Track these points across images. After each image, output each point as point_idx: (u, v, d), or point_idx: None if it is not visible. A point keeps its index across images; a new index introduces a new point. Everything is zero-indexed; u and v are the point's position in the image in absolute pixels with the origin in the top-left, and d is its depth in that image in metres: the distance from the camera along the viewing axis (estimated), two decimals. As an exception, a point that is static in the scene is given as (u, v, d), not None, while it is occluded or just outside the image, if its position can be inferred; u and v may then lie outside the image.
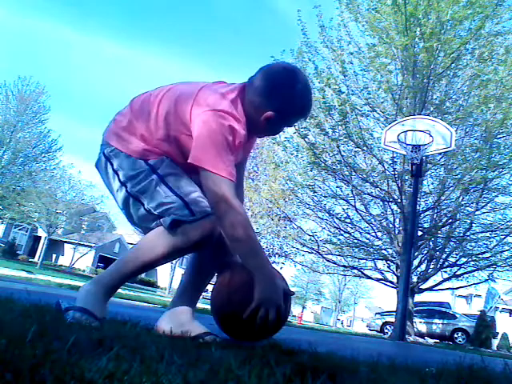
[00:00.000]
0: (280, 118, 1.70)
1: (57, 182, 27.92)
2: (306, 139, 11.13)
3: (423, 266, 12.72)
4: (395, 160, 11.13)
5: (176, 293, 1.78)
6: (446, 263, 12.56)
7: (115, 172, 1.67)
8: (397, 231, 11.83)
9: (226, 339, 1.62)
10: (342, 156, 11.16)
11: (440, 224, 11.90)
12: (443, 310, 18.71)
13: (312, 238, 13.04)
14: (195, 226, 1.51)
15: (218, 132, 1.53)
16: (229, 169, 1.53)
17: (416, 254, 11.81)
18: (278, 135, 10.75)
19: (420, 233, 11.66)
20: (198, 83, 1.73)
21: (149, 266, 1.60)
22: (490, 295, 21.77)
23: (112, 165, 1.68)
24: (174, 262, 30.99)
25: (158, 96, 1.69)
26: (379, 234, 12.56)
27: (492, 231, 11.78)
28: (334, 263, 13.65)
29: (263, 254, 1.57)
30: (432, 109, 11.02)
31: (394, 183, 11.10)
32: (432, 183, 12.17)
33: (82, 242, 33.80)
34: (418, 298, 14.08)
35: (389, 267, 12.88)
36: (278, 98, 1.68)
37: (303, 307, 58.97)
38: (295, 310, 62.84)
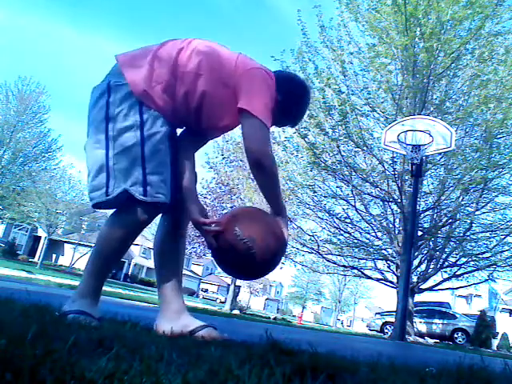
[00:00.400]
0: (279, 108, 1.80)
1: (57, 182, 27.90)
2: (305, 139, 11.13)
3: (423, 266, 12.72)
4: (395, 160, 11.13)
5: (160, 287, 1.79)
6: (446, 263, 12.56)
7: (107, 104, 1.56)
8: (397, 231, 11.84)
9: (224, 336, 1.62)
10: (342, 156, 11.16)
11: (440, 224, 11.90)
12: (443, 309, 18.70)
13: (312, 238, 13.04)
14: (143, 207, 1.53)
15: (267, 88, 1.68)
16: (270, 122, 1.67)
17: (416, 254, 11.81)
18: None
19: (420, 233, 11.66)
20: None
21: (113, 256, 1.64)
22: (492, 295, 21.75)
23: (109, 96, 1.57)
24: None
25: (189, 46, 1.74)
26: (379, 234, 12.57)
27: (492, 231, 11.78)
28: (334, 263, 13.65)
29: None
30: (432, 109, 11.02)
31: (394, 183, 11.10)
32: (432, 183, 12.17)
33: (82, 242, 33.78)
34: (418, 298, 14.08)
35: (389, 267, 12.88)
36: (290, 94, 1.84)
37: (303, 307, 58.97)
38: (295, 310, 62.88)
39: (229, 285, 22.25)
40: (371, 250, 12.55)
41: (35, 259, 31.58)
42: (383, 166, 11.27)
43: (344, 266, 13.77)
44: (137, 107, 1.56)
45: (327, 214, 12.68)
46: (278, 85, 1.78)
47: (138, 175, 1.51)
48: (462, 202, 11.51)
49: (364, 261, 13.46)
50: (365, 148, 11.07)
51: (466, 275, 12.64)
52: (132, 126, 1.53)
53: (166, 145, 1.61)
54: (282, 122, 1.97)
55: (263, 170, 1.64)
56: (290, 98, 1.84)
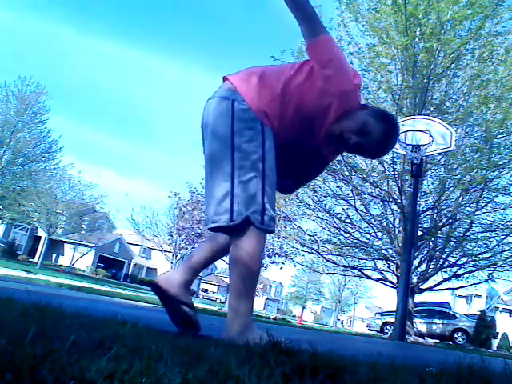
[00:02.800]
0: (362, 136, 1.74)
1: (57, 182, 27.92)
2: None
3: (423, 266, 12.73)
4: (395, 160, 11.13)
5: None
6: (446, 263, 12.56)
7: (232, 131, 1.57)
8: (397, 231, 11.84)
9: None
10: (342, 156, 11.16)
11: (440, 224, 11.90)
12: (443, 310, 18.70)
13: (312, 238, 13.04)
14: (258, 233, 1.54)
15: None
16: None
17: (416, 254, 11.81)
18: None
19: (420, 233, 11.67)
20: None
21: (258, 276, 1.61)
22: (490, 295, 21.78)
23: (233, 119, 1.58)
24: (173, 262, 30.99)
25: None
26: (379, 234, 12.57)
27: (492, 231, 11.78)
28: (334, 263, 13.66)
29: None
30: (432, 109, 11.03)
31: (394, 183, 11.10)
32: (432, 183, 12.18)
33: (82, 242, 33.79)
34: (418, 298, 14.08)
35: (389, 267, 12.89)
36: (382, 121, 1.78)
37: (303, 307, 58.99)
38: (295, 310, 62.91)
39: (229, 285, 22.17)
40: (371, 250, 12.56)
41: (35, 259, 31.59)
42: (383, 166, 11.27)
43: (344, 266, 13.77)
44: (260, 137, 1.58)
45: (327, 214, 12.68)
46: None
47: (258, 204, 1.53)
48: (462, 202, 11.52)
49: (364, 261, 13.47)
50: (365, 148, 11.07)
51: (466, 275, 12.64)
52: (256, 157, 1.56)
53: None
54: (368, 151, 1.87)
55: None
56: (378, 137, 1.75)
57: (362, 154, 1.98)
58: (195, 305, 1.83)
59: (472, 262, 12.22)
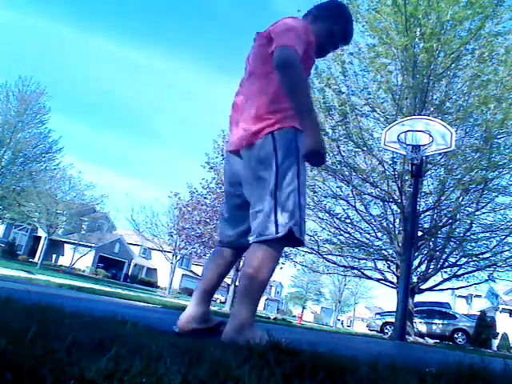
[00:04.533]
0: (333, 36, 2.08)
1: (57, 182, 27.92)
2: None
3: (423, 266, 12.72)
4: (395, 160, 11.13)
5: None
6: (446, 263, 12.56)
7: (276, 154, 1.72)
8: (397, 231, 11.83)
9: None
10: (342, 156, 11.16)
11: (440, 224, 11.90)
12: (443, 310, 18.70)
13: (312, 238, 13.03)
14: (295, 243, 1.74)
15: (296, 27, 1.82)
16: (299, 47, 1.75)
17: (416, 254, 11.81)
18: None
19: (420, 233, 11.66)
20: None
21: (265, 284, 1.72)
22: (492, 296, 21.76)
23: (275, 145, 1.72)
24: (173, 262, 30.99)
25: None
26: (379, 234, 12.57)
27: (492, 231, 11.78)
28: (334, 263, 13.65)
29: (315, 114, 1.77)
30: (432, 109, 11.02)
31: (394, 183, 11.10)
32: (432, 183, 12.17)
33: (82, 242, 33.79)
34: (418, 298, 14.08)
35: (389, 267, 12.88)
36: (336, 20, 2.08)
37: (303, 307, 58.98)
38: (295, 310, 62.90)
39: (229, 285, 22.23)
40: (371, 250, 12.56)
41: (35, 259, 31.58)
42: (383, 167, 11.27)
43: (344, 266, 13.77)
44: (294, 158, 1.74)
45: (327, 215, 12.68)
46: (318, 16, 2.05)
47: (297, 217, 1.69)
48: (462, 203, 11.51)
49: (364, 261, 13.46)
50: (365, 148, 11.07)
51: (466, 275, 12.64)
52: (293, 174, 1.73)
53: None
54: (336, 45, 2.15)
55: (286, 70, 1.71)
56: (333, 22, 2.06)
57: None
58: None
59: (472, 262, 12.22)
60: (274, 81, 1.77)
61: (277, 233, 1.64)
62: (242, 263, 12.75)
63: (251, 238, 1.72)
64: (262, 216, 1.68)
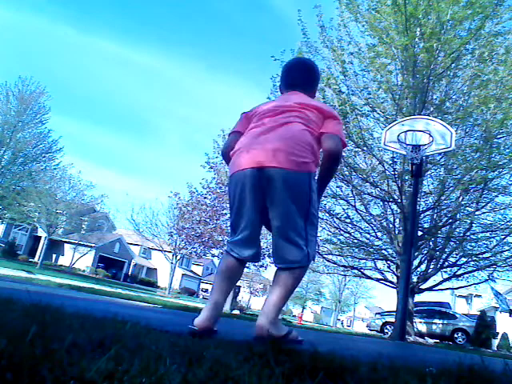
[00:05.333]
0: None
1: (57, 182, 27.91)
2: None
3: (423, 266, 12.72)
4: (395, 160, 11.12)
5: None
6: (446, 263, 12.56)
7: (310, 193, 1.98)
8: (397, 231, 11.83)
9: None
10: (343, 156, 11.15)
11: (440, 224, 11.90)
12: (443, 310, 18.71)
13: (312, 238, 13.01)
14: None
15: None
16: None
17: (416, 254, 11.80)
18: None
19: (420, 233, 11.66)
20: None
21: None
22: (499, 296, 21.72)
23: (310, 186, 1.97)
24: (173, 262, 31.00)
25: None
26: (379, 234, 12.56)
27: (492, 231, 11.78)
28: (334, 263, 13.65)
29: None
30: (432, 109, 11.02)
31: (394, 183, 11.10)
32: (432, 183, 12.17)
33: (82, 242, 33.79)
34: (418, 298, 14.08)
35: (389, 267, 12.88)
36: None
37: (303, 307, 58.98)
38: (295, 310, 62.89)
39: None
40: (371, 250, 12.55)
41: (35, 259, 31.57)
42: (383, 166, 11.26)
43: (344, 266, 13.77)
44: (316, 195, 2.03)
45: (327, 214, 12.68)
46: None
47: (314, 246, 2.05)
48: (462, 202, 11.51)
49: (364, 261, 13.47)
50: (365, 148, 11.07)
51: (466, 275, 12.63)
52: (316, 216, 2.08)
53: None
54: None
55: (338, 161, 2.10)
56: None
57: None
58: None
59: (472, 262, 12.21)
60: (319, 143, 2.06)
61: (308, 261, 1.99)
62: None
63: (285, 264, 1.98)
64: (296, 247, 1.95)
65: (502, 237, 11.73)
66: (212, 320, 1.92)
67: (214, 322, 1.93)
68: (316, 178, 2.04)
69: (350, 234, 12.75)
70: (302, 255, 1.95)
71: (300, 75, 2.32)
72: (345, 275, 21.61)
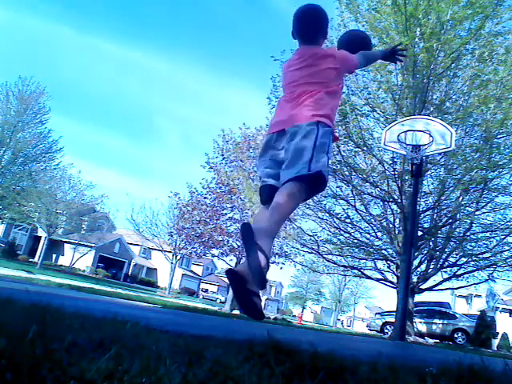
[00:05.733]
0: None
1: (57, 182, 27.90)
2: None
3: (423, 266, 12.71)
4: (395, 160, 11.12)
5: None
6: (446, 263, 12.55)
7: (317, 134, 2.13)
8: (397, 231, 11.83)
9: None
10: (342, 156, 11.16)
11: (440, 224, 11.89)
12: (443, 310, 18.70)
13: (312, 238, 13.03)
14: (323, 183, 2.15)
15: None
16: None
17: (416, 254, 11.80)
18: None
19: (420, 233, 11.65)
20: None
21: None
22: (491, 295, 21.75)
23: (318, 130, 2.14)
24: (173, 262, 31.02)
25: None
26: (379, 234, 12.56)
27: (492, 231, 11.77)
28: (334, 263, 13.65)
29: None
30: (432, 109, 11.02)
31: (394, 183, 11.10)
32: (432, 183, 12.17)
33: (82, 242, 33.78)
34: (418, 298, 14.08)
35: (389, 267, 12.88)
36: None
37: (303, 307, 58.98)
38: (295, 310, 62.91)
39: (229, 285, 22.20)
40: (371, 250, 12.55)
41: (35, 259, 31.57)
42: (383, 166, 11.26)
43: (344, 266, 13.77)
44: (330, 136, 2.21)
45: (327, 214, 12.68)
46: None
47: (326, 167, 2.11)
48: (462, 202, 11.51)
49: (364, 261, 13.46)
50: (365, 148, 11.07)
51: (466, 275, 12.63)
52: (326, 147, 2.17)
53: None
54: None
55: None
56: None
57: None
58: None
59: (472, 262, 12.20)
60: (335, 99, 2.32)
61: (309, 170, 1.99)
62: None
63: (285, 176, 2.05)
64: (300, 162, 2.03)
65: (502, 237, 11.72)
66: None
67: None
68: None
69: (350, 234, 12.75)
70: (303, 166, 2.02)
71: (308, 27, 2.49)
72: (345, 275, 21.62)
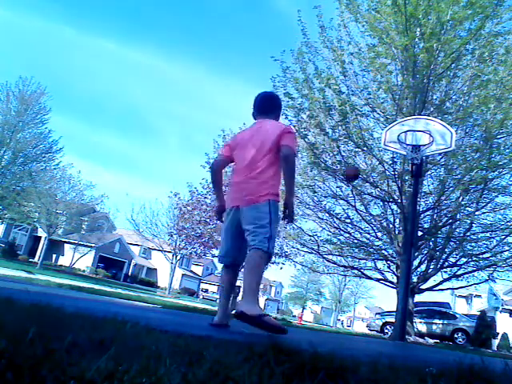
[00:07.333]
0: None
1: (57, 182, 27.89)
2: (305, 139, 11.12)
3: (423, 266, 12.71)
4: (395, 160, 11.12)
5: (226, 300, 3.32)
6: (446, 263, 12.55)
7: (270, 212, 2.90)
8: (397, 231, 11.83)
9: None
10: (342, 156, 11.16)
11: (440, 224, 11.89)
12: (443, 310, 18.71)
13: (312, 238, 13.03)
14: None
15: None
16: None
17: (416, 254, 11.80)
18: None
19: (420, 233, 11.65)
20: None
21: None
22: (492, 296, 21.75)
23: (271, 212, 2.90)
24: (173, 262, 31.01)
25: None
26: (379, 234, 12.56)
27: (492, 231, 11.77)
28: (334, 263, 13.65)
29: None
30: (432, 109, 11.01)
31: (394, 183, 11.09)
32: (432, 183, 12.16)
33: (82, 242, 33.78)
34: (418, 298, 14.08)
35: (389, 267, 12.88)
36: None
37: (303, 307, 58.97)
38: (295, 310, 62.90)
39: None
40: (371, 250, 12.55)
41: (35, 259, 31.57)
42: (383, 166, 11.26)
43: (344, 266, 13.77)
44: (278, 211, 2.98)
45: (327, 214, 12.68)
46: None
47: (273, 247, 2.93)
48: (462, 202, 11.50)
49: (364, 261, 13.46)
50: (365, 148, 11.07)
51: (466, 275, 12.63)
52: (276, 226, 2.99)
53: None
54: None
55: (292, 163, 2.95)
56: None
57: None
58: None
59: (472, 262, 12.21)
60: (277, 169, 3.00)
61: (268, 249, 2.82)
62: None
63: (253, 243, 2.81)
64: (263, 237, 2.81)
65: (502, 237, 11.72)
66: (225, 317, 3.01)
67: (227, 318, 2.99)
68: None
69: (350, 234, 12.75)
70: (265, 242, 2.83)
71: (265, 104, 3.26)
72: (345, 275, 21.61)
